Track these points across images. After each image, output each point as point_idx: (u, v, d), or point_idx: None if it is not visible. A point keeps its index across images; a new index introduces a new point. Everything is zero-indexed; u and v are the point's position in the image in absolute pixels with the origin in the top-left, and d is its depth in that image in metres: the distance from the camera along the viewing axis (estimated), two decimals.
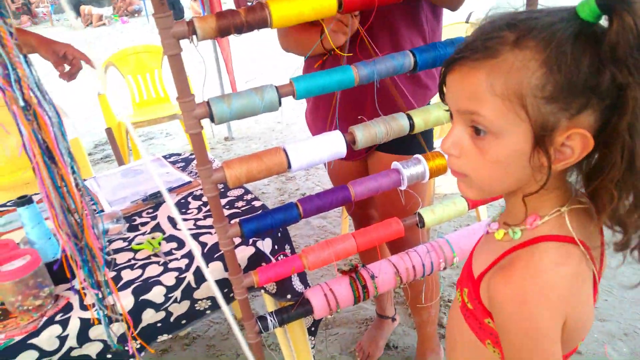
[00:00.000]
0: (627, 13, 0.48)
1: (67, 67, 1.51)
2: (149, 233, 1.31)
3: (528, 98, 0.53)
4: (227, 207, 1.40)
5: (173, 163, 1.76)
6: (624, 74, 0.50)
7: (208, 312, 1.19)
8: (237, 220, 1.04)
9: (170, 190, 1.52)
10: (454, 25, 2.78)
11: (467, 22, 2.72)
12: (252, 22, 0.87)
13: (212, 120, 0.92)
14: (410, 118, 1.08)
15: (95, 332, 1.04)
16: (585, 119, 0.54)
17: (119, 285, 1.11)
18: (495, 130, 0.57)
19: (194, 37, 0.87)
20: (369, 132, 1.07)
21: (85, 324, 1.03)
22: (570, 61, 0.51)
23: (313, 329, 1.36)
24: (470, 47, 0.56)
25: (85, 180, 1.67)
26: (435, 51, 1.00)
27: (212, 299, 1.17)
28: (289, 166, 1.01)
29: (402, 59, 1.01)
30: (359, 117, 1.25)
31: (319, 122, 1.41)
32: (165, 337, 1.15)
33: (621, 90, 0.51)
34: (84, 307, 1.05)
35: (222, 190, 1.50)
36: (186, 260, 1.17)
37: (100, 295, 0.91)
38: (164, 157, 1.81)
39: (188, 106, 0.89)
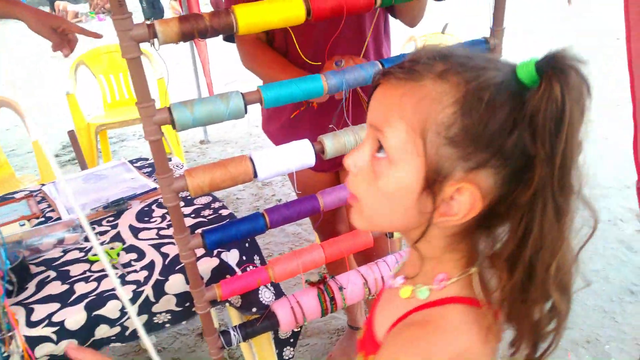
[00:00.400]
0: (557, 81, 0.45)
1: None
2: (108, 243, 1.26)
3: (430, 133, 0.49)
4: (193, 215, 1.36)
5: (139, 168, 1.70)
6: (536, 145, 0.46)
7: (167, 325, 1.15)
8: (199, 231, 1.00)
9: (134, 197, 1.47)
10: (429, 36, 2.81)
11: (442, 32, 2.75)
12: (217, 27, 0.84)
13: (174, 126, 0.88)
14: None
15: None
16: (484, 178, 0.50)
17: (71, 299, 1.06)
18: (392, 156, 0.53)
19: (155, 40, 0.84)
20: (338, 142, 1.04)
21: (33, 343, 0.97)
22: (484, 110, 0.47)
23: (292, 340, 1.33)
24: (400, 66, 0.53)
25: (44, 185, 1.61)
26: None
27: (172, 312, 1.13)
28: (255, 175, 0.98)
29: (371, 69, 0.99)
30: (330, 126, 1.22)
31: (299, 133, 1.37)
32: (118, 344, 1.09)
33: (530, 162, 0.47)
34: (30, 324, 1.00)
35: (189, 197, 1.45)
36: (145, 273, 1.12)
37: None
38: (131, 161, 1.75)
39: (148, 112, 0.85)
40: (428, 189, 0.51)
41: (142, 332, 0.53)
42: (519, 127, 0.47)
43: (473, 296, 0.55)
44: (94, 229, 1.33)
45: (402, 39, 3.00)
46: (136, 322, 0.52)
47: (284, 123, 1.39)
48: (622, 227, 2.46)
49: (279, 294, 1.24)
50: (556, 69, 0.45)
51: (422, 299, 0.58)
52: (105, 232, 1.31)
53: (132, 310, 0.66)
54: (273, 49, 1.30)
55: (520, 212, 0.49)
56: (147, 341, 0.52)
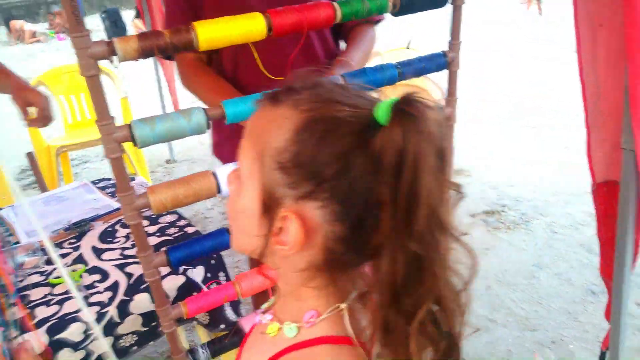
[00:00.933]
0: (399, 124, 0.43)
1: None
2: (70, 265, 1.22)
3: (267, 157, 0.49)
4: (158, 234, 1.34)
5: (102, 189, 1.67)
6: (380, 188, 0.44)
7: (135, 347, 1.12)
8: (164, 248, 0.99)
9: (97, 217, 1.44)
10: (395, 51, 2.88)
11: (407, 47, 2.83)
12: (177, 44, 0.84)
13: (135, 143, 0.87)
14: None
15: None
16: (310, 210, 0.47)
17: (32, 324, 1.02)
18: (242, 177, 0.52)
19: (115, 58, 0.83)
20: None
21: None
22: (315, 141, 0.46)
23: None
24: (274, 91, 0.52)
25: (2, 209, 1.56)
26: (365, 76, 1.01)
27: (138, 333, 1.10)
28: (219, 190, 0.97)
29: None
30: None
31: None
32: None
33: (377, 206, 0.45)
34: None
35: (154, 216, 1.43)
36: (109, 293, 1.10)
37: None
38: (93, 182, 1.72)
39: (107, 129, 0.84)
40: (265, 214, 0.50)
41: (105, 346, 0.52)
42: (357, 166, 0.45)
43: (345, 334, 0.53)
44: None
45: None
46: (102, 340, 0.52)
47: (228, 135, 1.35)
48: (583, 231, 2.56)
49: (237, 312, 1.22)
50: (403, 112, 0.44)
51: (290, 338, 0.54)
52: (67, 254, 1.28)
53: (97, 328, 0.65)
54: (221, 69, 1.29)
55: (376, 257, 0.47)
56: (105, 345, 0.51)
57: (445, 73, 1.19)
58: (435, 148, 0.44)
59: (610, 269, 1.25)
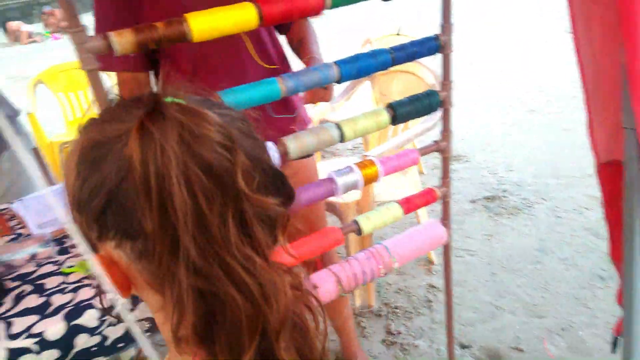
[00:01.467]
0: (135, 137, 0.36)
1: None
2: (81, 255, 1.27)
3: (69, 197, 0.44)
4: None
5: None
6: (142, 218, 0.38)
7: (148, 334, 1.16)
8: None
9: None
10: (386, 38, 2.87)
11: (398, 34, 2.82)
12: (171, 36, 0.86)
13: None
14: (339, 128, 1.08)
15: None
16: (113, 250, 0.42)
17: (48, 311, 1.07)
18: None
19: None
20: (300, 143, 1.06)
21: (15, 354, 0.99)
22: (87, 171, 0.41)
23: None
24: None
25: (12, 203, 1.60)
26: (358, 62, 1.02)
27: (152, 319, 1.14)
28: None
29: (327, 70, 1.02)
30: (290, 127, 1.26)
31: None
32: (102, 359, 1.11)
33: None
34: (10, 337, 1.01)
35: None
36: None
37: None
38: None
39: None
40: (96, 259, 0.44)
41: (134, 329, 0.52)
42: (121, 192, 0.39)
43: None
44: (63, 243, 1.34)
45: (359, 41, 3.05)
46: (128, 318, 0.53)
47: None
48: (587, 215, 2.51)
49: None
50: (141, 124, 0.37)
51: None
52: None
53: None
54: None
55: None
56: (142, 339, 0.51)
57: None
58: (197, 163, 0.37)
59: (620, 251, 1.19)
